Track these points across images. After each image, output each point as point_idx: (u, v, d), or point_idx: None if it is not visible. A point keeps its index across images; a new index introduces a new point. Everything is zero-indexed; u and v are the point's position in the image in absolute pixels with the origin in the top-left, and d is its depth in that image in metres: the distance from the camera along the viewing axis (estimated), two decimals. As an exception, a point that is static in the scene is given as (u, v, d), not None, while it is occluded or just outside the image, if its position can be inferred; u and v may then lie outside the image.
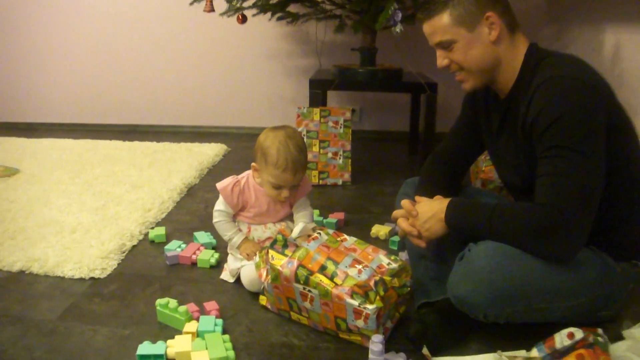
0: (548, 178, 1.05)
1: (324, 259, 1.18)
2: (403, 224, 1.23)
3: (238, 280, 1.43)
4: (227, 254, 1.52)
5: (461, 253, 1.12)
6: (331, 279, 1.15)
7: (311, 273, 1.17)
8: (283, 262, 1.20)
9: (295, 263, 1.18)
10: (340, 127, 2.30)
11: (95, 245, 1.62)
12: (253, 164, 1.40)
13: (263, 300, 1.32)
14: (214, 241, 1.66)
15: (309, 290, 1.17)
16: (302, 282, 1.17)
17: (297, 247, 1.23)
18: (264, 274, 1.26)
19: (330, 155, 2.31)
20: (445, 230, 1.17)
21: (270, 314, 1.30)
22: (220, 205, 1.43)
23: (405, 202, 1.25)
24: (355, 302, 1.12)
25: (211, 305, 1.30)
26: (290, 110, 3.16)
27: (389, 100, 3.23)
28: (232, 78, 3.26)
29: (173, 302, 1.27)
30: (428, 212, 1.19)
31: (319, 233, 1.26)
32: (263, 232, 1.45)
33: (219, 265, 1.54)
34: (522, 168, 1.19)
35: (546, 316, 1.10)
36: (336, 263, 1.17)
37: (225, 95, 3.30)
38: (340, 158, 2.31)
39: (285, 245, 1.24)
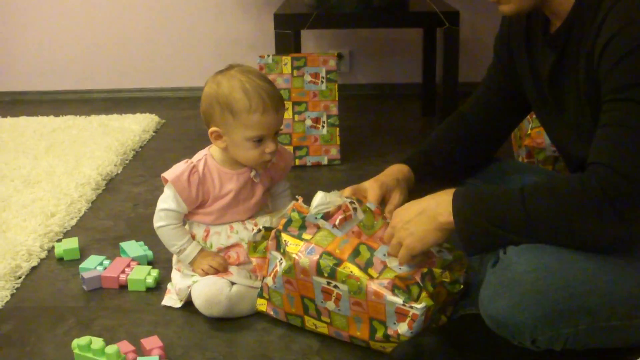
0: (609, 130, 1.08)
1: (356, 242, 1.27)
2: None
3: (188, 303, 1.47)
4: (169, 270, 1.56)
5: (494, 257, 1.17)
6: (364, 269, 1.23)
7: (339, 262, 1.24)
8: (300, 249, 1.28)
9: (318, 250, 1.26)
10: (322, 82, 2.33)
11: (-26, 271, 1.63)
12: (212, 129, 1.43)
13: (262, 304, 1.40)
14: (149, 253, 1.69)
15: (335, 286, 1.25)
16: (326, 274, 1.24)
17: (319, 228, 1.31)
18: (265, 265, 1.35)
19: (309, 123, 2.35)
20: (443, 236, 1.19)
21: (240, 342, 1.34)
22: (169, 202, 1.46)
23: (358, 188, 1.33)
24: (399, 300, 1.20)
25: (152, 342, 1.33)
26: (248, 59, 3.16)
27: (392, 39, 3.25)
28: (162, 18, 3.26)
29: (97, 342, 1.30)
30: (414, 208, 1.21)
31: (355, 209, 1.32)
32: (227, 236, 1.49)
33: (158, 287, 1.57)
34: (584, 128, 1.20)
35: (626, 339, 1.13)
36: (372, 249, 1.26)
37: (153, 43, 3.30)
38: (323, 127, 2.35)
39: (304, 227, 1.32)
